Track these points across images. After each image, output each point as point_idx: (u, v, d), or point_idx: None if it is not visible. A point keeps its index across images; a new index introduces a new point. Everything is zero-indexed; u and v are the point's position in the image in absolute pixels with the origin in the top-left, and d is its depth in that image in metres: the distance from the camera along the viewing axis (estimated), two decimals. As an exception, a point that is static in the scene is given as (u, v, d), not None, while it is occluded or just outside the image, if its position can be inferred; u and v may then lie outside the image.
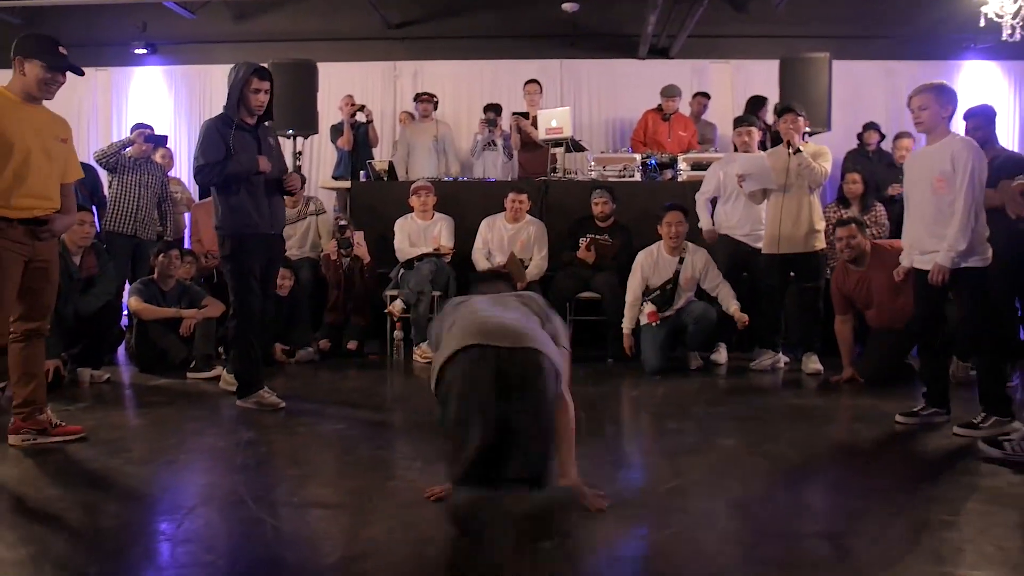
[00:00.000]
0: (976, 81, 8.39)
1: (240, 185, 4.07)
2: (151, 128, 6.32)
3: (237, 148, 4.05)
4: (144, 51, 8.82)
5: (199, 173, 4.12)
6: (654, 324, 5.32)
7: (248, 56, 7.90)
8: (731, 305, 5.31)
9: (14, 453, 3.26)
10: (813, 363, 5.17)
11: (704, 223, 5.68)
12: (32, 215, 3.26)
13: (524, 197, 6.08)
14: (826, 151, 5.22)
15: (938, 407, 3.81)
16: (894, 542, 2.36)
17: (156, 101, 8.90)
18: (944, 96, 3.69)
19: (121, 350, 5.53)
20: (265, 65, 4.25)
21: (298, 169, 7.00)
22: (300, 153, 7.15)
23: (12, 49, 3.26)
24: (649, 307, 5.41)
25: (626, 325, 5.46)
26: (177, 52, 8.89)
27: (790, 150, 5.03)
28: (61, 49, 3.31)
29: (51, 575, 2.16)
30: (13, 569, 2.17)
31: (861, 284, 4.87)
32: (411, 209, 6.19)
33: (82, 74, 3.44)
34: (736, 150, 5.66)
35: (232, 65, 4.18)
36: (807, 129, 5.50)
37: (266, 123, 4.31)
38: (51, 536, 2.44)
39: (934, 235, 3.65)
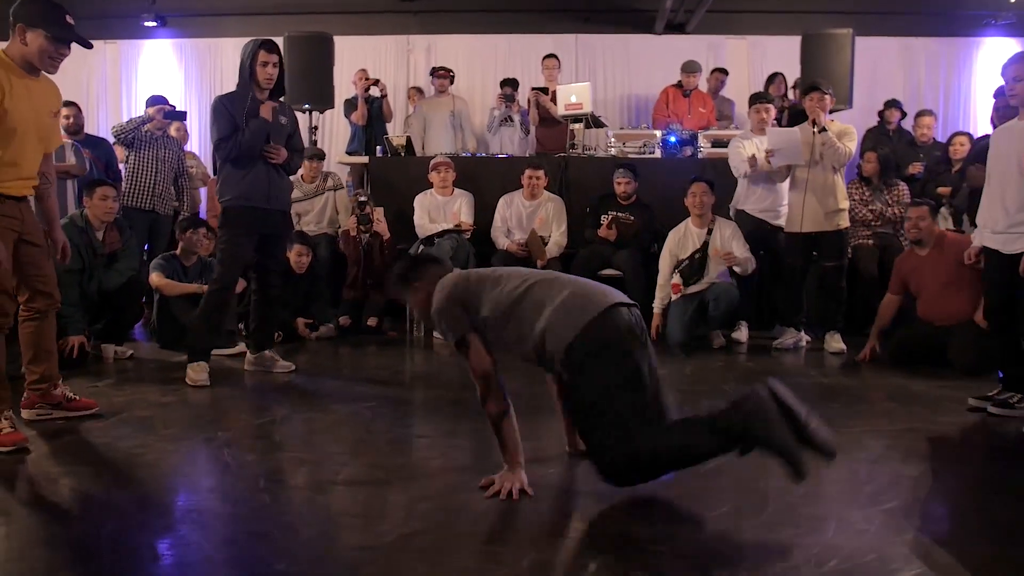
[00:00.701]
0: (996, 58, 8.29)
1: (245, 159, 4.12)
2: (167, 101, 6.26)
3: (246, 124, 4.07)
4: (154, 24, 8.70)
5: (218, 149, 4.17)
6: (674, 296, 5.34)
7: (258, 29, 7.87)
8: (734, 248, 5.29)
9: (44, 431, 3.24)
10: (836, 342, 5.16)
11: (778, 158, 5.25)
12: (20, 194, 3.14)
13: (541, 173, 6.04)
14: (852, 130, 5.17)
15: (1016, 390, 3.66)
16: (957, 519, 2.36)
17: (166, 75, 8.82)
18: None
19: (137, 326, 5.51)
20: (272, 39, 4.24)
21: (314, 143, 6.98)
22: (316, 128, 7.11)
23: (12, 13, 3.01)
24: (676, 278, 5.40)
25: (657, 305, 5.45)
26: (187, 25, 8.78)
27: (815, 128, 4.98)
28: (68, 19, 3.07)
29: (109, 551, 2.15)
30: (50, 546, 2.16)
31: (918, 269, 4.82)
32: (430, 185, 6.15)
33: (90, 46, 3.25)
34: (753, 127, 5.62)
35: (245, 41, 4.20)
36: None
37: (280, 98, 4.30)
38: (101, 514, 2.44)
39: (1013, 220, 3.49)
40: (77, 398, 3.46)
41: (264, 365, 4.43)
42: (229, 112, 4.08)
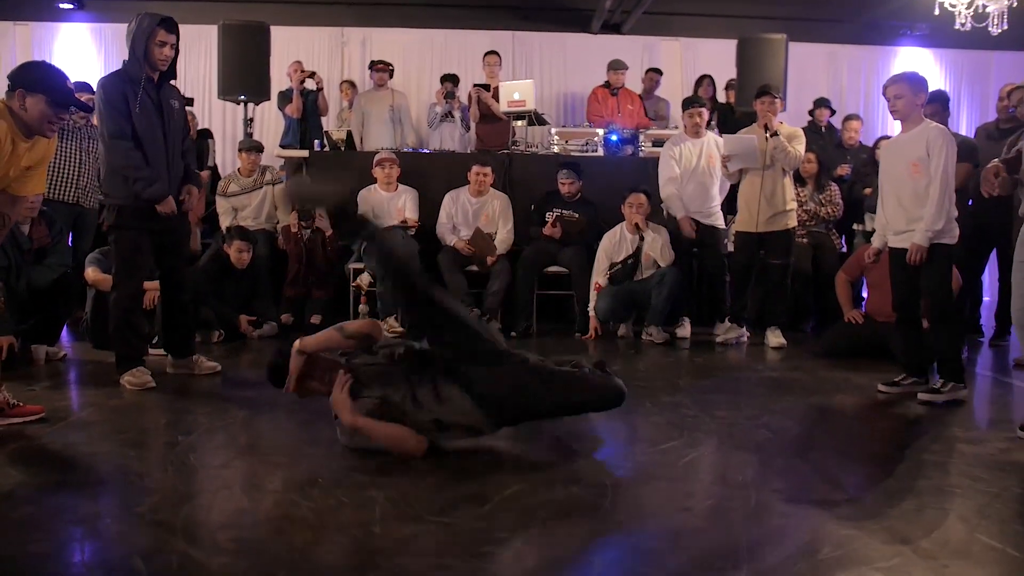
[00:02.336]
0: (910, 67, 8.70)
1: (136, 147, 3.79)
2: (90, 88, 5.94)
3: (137, 109, 3.75)
4: (70, 6, 8.27)
5: (116, 149, 3.79)
6: (594, 292, 5.55)
7: (187, 15, 7.59)
8: (660, 254, 5.50)
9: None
10: (776, 337, 5.33)
11: (678, 212, 5.57)
12: None
13: (488, 170, 6.02)
14: (800, 134, 5.36)
15: (918, 376, 4.01)
16: (933, 509, 2.46)
17: (84, 61, 8.36)
18: (917, 85, 3.89)
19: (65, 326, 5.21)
20: (172, 18, 3.86)
21: (249, 135, 6.77)
22: (251, 120, 6.91)
23: (9, 77, 2.97)
24: (603, 279, 5.56)
25: (592, 307, 5.54)
26: (108, 8, 8.33)
27: (767, 133, 5.12)
28: (69, 83, 3.09)
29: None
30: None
31: (882, 262, 4.96)
32: (373, 180, 6.05)
33: (90, 111, 3.34)
34: (686, 130, 5.73)
35: (136, 16, 3.79)
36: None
37: (170, 82, 3.99)
38: (48, 519, 2.30)
39: (911, 217, 3.84)
40: (20, 404, 3.25)
41: (188, 368, 4.22)
42: (123, 96, 3.74)
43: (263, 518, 2.37)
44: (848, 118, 7.15)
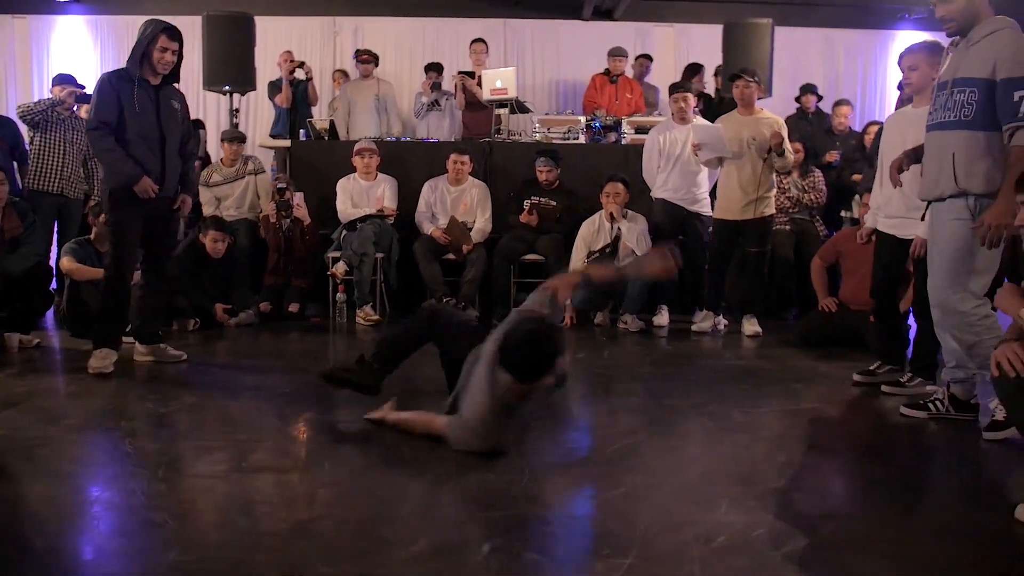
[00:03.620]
0: (908, 51, 8.59)
1: (132, 140, 3.96)
2: (74, 79, 6.04)
3: (134, 107, 3.93)
4: (66, -1, 8.39)
5: (94, 131, 3.96)
6: None
7: (178, 7, 7.67)
8: (636, 244, 5.43)
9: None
10: (753, 326, 5.29)
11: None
12: None
13: (466, 158, 6.02)
14: (782, 121, 5.29)
15: (893, 364, 3.93)
16: (839, 497, 2.45)
17: (80, 53, 8.48)
18: (934, 56, 3.52)
19: (50, 315, 5.32)
20: (176, 26, 4.06)
21: (235, 126, 6.82)
22: (237, 110, 6.95)
23: None
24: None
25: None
26: (104, 1, 8.46)
27: (773, 154, 5.06)
28: None
29: (-10, 546, 2.08)
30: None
31: (858, 251, 4.71)
32: (353, 169, 6.07)
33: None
34: (673, 116, 5.69)
35: (146, 19, 4.05)
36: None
37: (173, 84, 4.16)
38: (-13, 506, 2.36)
39: (911, 205, 3.58)
40: None
41: (155, 355, 4.31)
42: (117, 92, 3.92)
43: (172, 501, 2.42)
44: (839, 103, 7.05)
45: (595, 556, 2.06)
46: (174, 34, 4.00)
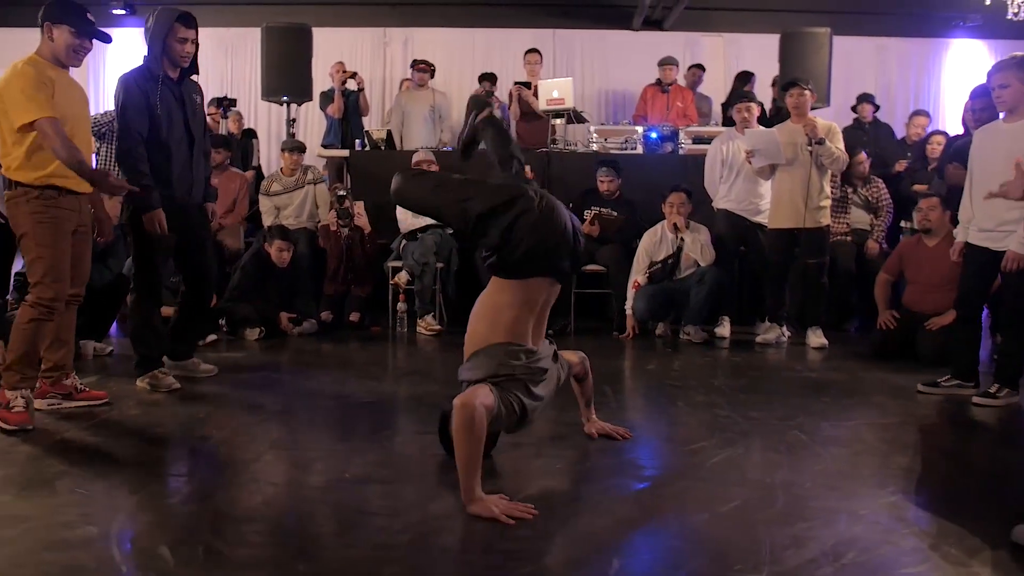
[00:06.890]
0: (963, 59, 8.50)
1: (164, 147, 3.69)
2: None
3: (166, 109, 3.67)
4: (123, 12, 8.47)
5: (124, 153, 3.67)
6: (632, 291, 5.51)
7: (233, 19, 7.75)
8: (702, 254, 5.44)
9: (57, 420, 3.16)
10: (818, 338, 5.23)
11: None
12: (81, 190, 3.32)
13: (527, 169, 6.01)
14: (837, 129, 5.24)
15: (964, 379, 3.89)
16: (958, 507, 2.40)
17: (135, 65, 8.56)
18: None
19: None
20: (191, 13, 3.79)
21: (292, 136, 6.88)
22: (294, 120, 7.02)
23: (40, 15, 3.27)
24: (642, 278, 5.52)
25: (629, 306, 5.50)
26: (158, 14, 8.57)
27: (811, 146, 5.01)
28: (89, 15, 3.32)
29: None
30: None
31: (920, 257, 4.89)
32: (412, 179, 6.08)
33: (110, 40, 3.48)
34: (736, 126, 5.66)
35: (153, 12, 3.76)
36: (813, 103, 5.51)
37: (191, 77, 3.91)
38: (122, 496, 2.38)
39: (1003, 219, 3.56)
40: (87, 388, 3.57)
41: (187, 371, 4.09)
42: (145, 96, 3.64)
43: (288, 512, 2.42)
44: (916, 113, 7.07)
45: (728, 571, 2.02)
46: (190, 21, 3.71)
